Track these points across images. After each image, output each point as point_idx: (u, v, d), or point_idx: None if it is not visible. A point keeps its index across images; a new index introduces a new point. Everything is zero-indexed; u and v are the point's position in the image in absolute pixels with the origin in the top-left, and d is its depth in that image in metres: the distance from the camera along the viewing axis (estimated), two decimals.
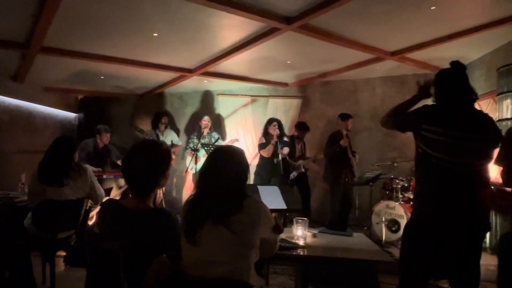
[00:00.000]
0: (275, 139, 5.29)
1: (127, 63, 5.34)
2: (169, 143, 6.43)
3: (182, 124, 7.66)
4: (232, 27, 4.07)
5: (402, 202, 4.81)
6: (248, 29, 4.13)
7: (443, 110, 1.99)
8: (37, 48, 4.57)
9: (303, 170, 5.63)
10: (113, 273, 1.57)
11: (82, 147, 5.35)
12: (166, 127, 6.62)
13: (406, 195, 4.95)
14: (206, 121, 6.25)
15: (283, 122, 5.88)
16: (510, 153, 2.03)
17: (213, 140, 6.14)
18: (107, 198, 3.70)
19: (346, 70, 5.78)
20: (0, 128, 6.08)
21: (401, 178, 5.05)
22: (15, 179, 4.45)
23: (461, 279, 1.95)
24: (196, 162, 5.96)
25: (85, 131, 7.35)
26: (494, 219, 4.21)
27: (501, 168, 2.07)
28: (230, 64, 5.51)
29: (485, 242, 4.22)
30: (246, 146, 6.94)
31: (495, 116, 4.42)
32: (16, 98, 6.41)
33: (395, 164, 5.31)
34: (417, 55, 4.99)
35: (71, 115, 7.92)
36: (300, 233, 2.34)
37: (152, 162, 1.77)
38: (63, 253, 3.28)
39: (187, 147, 6.40)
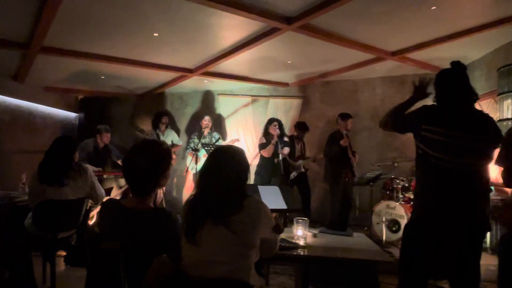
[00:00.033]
0: (275, 139, 5.29)
1: (128, 63, 5.34)
2: (169, 143, 6.43)
3: (182, 124, 7.66)
4: (232, 27, 4.08)
5: (402, 202, 4.81)
6: (249, 29, 4.13)
7: (443, 110, 1.99)
8: (38, 48, 4.57)
9: (303, 170, 5.63)
10: (113, 273, 1.57)
11: (83, 147, 5.36)
12: (166, 127, 6.62)
13: (406, 195, 4.95)
14: (206, 121, 6.26)
15: (283, 122, 5.88)
16: (510, 153, 2.02)
17: (213, 140, 6.15)
18: (108, 198, 3.70)
19: (346, 70, 5.78)
20: (0, 128, 6.08)
21: (401, 178, 5.05)
22: (16, 179, 4.45)
23: (461, 279, 1.95)
24: (196, 162, 5.97)
25: (85, 131, 7.35)
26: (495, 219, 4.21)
27: (502, 169, 2.07)
28: (230, 64, 5.52)
29: (486, 242, 4.21)
30: (246, 146, 6.94)
31: (495, 116, 4.41)
32: (16, 98, 6.42)
33: (396, 164, 5.31)
34: (417, 55, 4.98)
35: (72, 115, 7.93)
36: (301, 233, 2.34)
37: (153, 162, 1.77)
38: (64, 253, 3.28)
39: (188, 147, 6.41)
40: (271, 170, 5.39)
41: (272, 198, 2.88)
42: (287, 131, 6.05)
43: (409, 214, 4.41)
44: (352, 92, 6.59)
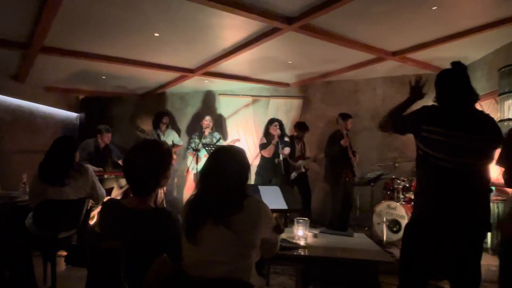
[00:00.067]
0: (276, 139, 5.29)
1: (128, 63, 5.34)
2: (170, 143, 6.43)
3: (183, 124, 7.66)
4: (233, 27, 4.07)
5: (403, 203, 4.81)
6: (249, 29, 4.13)
7: (443, 110, 1.99)
8: (38, 48, 4.57)
9: (303, 170, 5.63)
10: (114, 273, 1.57)
11: (83, 147, 5.36)
12: (167, 127, 6.62)
13: (407, 195, 4.95)
14: (207, 121, 6.26)
15: (284, 122, 5.87)
16: (511, 153, 2.02)
17: (214, 140, 6.15)
18: (108, 197, 3.70)
19: (347, 70, 5.78)
20: (1, 128, 6.09)
21: (402, 178, 5.05)
22: (16, 179, 4.45)
23: (461, 279, 1.95)
24: (197, 162, 5.97)
25: (86, 131, 7.36)
26: (496, 219, 4.20)
27: (503, 169, 2.07)
28: (231, 64, 5.52)
29: (487, 243, 4.21)
30: (247, 146, 6.94)
31: (496, 116, 4.41)
32: (17, 98, 6.42)
33: (396, 164, 5.31)
34: (418, 55, 4.98)
35: (73, 115, 7.93)
36: (301, 233, 2.33)
37: (153, 162, 1.77)
38: (64, 253, 3.27)
39: (189, 147, 6.41)
40: (271, 170, 5.39)
41: (272, 198, 2.88)
42: (287, 131, 6.05)
43: (410, 215, 4.41)
44: (353, 92, 6.59)
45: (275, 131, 5.34)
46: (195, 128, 7.03)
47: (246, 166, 1.73)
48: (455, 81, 2.04)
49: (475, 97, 2.03)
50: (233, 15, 3.61)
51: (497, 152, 2.04)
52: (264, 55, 5.08)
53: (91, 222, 3.73)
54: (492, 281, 3.14)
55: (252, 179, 5.49)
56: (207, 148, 5.68)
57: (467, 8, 3.60)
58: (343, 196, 4.94)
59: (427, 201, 1.96)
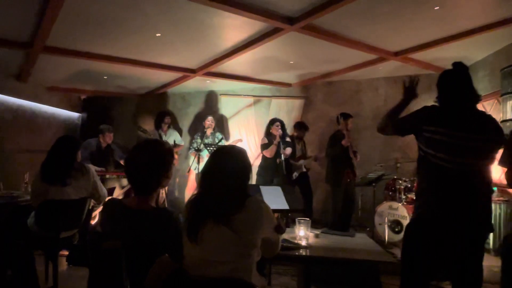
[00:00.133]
0: (277, 139, 5.28)
1: (130, 63, 5.35)
2: (171, 143, 6.44)
3: (184, 124, 7.67)
4: (235, 27, 4.07)
5: (405, 203, 4.80)
6: (251, 29, 4.13)
7: (444, 111, 1.99)
8: (40, 48, 4.58)
9: (304, 169, 5.63)
10: (115, 272, 1.57)
11: (85, 146, 5.36)
12: (169, 127, 6.63)
13: (409, 196, 4.94)
14: (209, 121, 6.27)
15: (285, 122, 5.86)
16: None
17: (216, 140, 6.16)
18: (110, 197, 3.70)
19: (349, 70, 5.78)
20: (3, 128, 6.10)
21: (404, 178, 5.04)
22: (18, 179, 4.47)
23: (462, 280, 1.94)
24: (199, 162, 5.97)
25: (88, 130, 7.37)
26: (498, 220, 4.19)
27: (505, 170, 2.06)
28: (233, 64, 5.52)
29: (489, 244, 4.20)
30: (248, 147, 6.94)
31: (499, 117, 4.40)
32: (19, 98, 6.44)
33: (398, 165, 5.30)
34: (420, 55, 4.97)
35: (74, 114, 7.95)
36: (302, 234, 2.33)
37: (155, 162, 1.77)
38: (66, 252, 3.28)
39: (191, 147, 6.42)
40: (273, 170, 5.38)
41: (274, 198, 2.87)
42: (289, 131, 6.04)
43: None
44: (355, 92, 6.58)
45: (276, 131, 5.34)
46: (197, 128, 7.03)
47: (247, 166, 1.73)
48: (457, 81, 2.04)
49: (477, 98, 2.03)
50: (234, 15, 3.61)
51: (500, 153, 2.03)
52: (265, 55, 5.08)
53: (93, 222, 3.73)
54: (494, 282, 3.12)
55: (253, 180, 5.48)
56: (209, 148, 5.68)
57: (469, 8, 3.59)
58: (345, 197, 4.93)
59: (428, 201, 1.96)
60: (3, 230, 3.27)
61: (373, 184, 4.94)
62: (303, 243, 2.30)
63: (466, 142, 1.87)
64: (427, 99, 2.21)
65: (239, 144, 6.38)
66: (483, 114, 2.03)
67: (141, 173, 1.76)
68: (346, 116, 5.06)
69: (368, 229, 5.32)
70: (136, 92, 7.74)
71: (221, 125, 7.15)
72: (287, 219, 4.03)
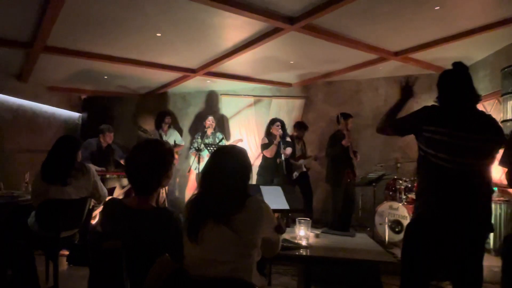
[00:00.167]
0: (278, 139, 5.28)
1: (131, 63, 5.35)
2: (172, 143, 6.45)
3: (185, 124, 7.67)
4: (235, 27, 4.07)
5: (405, 203, 4.80)
6: (251, 29, 4.13)
7: (444, 111, 1.99)
8: (41, 47, 4.59)
9: (304, 169, 5.63)
10: (115, 272, 1.57)
11: (85, 146, 5.36)
12: (169, 127, 6.63)
13: (409, 196, 4.94)
14: (210, 121, 6.27)
15: (286, 122, 5.86)
16: None
17: (217, 140, 6.16)
18: (110, 197, 3.70)
19: (349, 70, 5.78)
20: (3, 128, 6.10)
21: (404, 178, 5.04)
22: (19, 178, 4.47)
23: (462, 279, 1.94)
24: (199, 162, 5.97)
25: (88, 130, 7.37)
26: (498, 220, 4.19)
27: (506, 170, 2.06)
28: (233, 64, 5.52)
29: (489, 244, 4.19)
30: (249, 146, 6.93)
31: (499, 117, 4.40)
32: (20, 98, 6.44)
33: (398, 165, 5.30)
34: (420, 55, 4.97)
35: (75, 114, 7.95)
36: (303, 233, 2.33)
37: (155, 161, 1.78)
38: (66, 252, 3.28)
39: (191, 147, 6.42)
40: (273, 170, 5.38)
41: (274, 198, 2.87)
42: (289, 131, 6.04)
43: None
44: (355, 92, 6.58)
45: (277, 131, 5.33)
46: (197, 128, 7.03)
47: (247, 165, 1.73)
48: (457, 81, 2.03)
49: (477, 98, 2.03)
50: (235, 15, 3.61)
51: (500, 153, 2.03)
52: (266, 55, 5.08)
53: (93, 222, 3.73)
54: (494, 282, 3.12)
55: (253, 180, 5.48)
56: (209, 148, 5.68)
57: (469, 8, 3.59)
58: (345, 197, 4.93)
59: (428, 201, 1.96)
60: (4, 230, 3.27)
61: (373, 184, 4.94)
62: (304, 243, 2.30)
63: (466, 142, 1.87)
64: (427, 99, 2.22)
65: (239, 144, 6.38)
66: (483, 114, 2.02)
67: (141, 173, 1.76)
68: (346, 116, 5.06)
69: (368, 229, 5.31)
70: (136, 92, 7.75)
71: (222, 125, 7.15)
72: (287, 219, 4.03)
